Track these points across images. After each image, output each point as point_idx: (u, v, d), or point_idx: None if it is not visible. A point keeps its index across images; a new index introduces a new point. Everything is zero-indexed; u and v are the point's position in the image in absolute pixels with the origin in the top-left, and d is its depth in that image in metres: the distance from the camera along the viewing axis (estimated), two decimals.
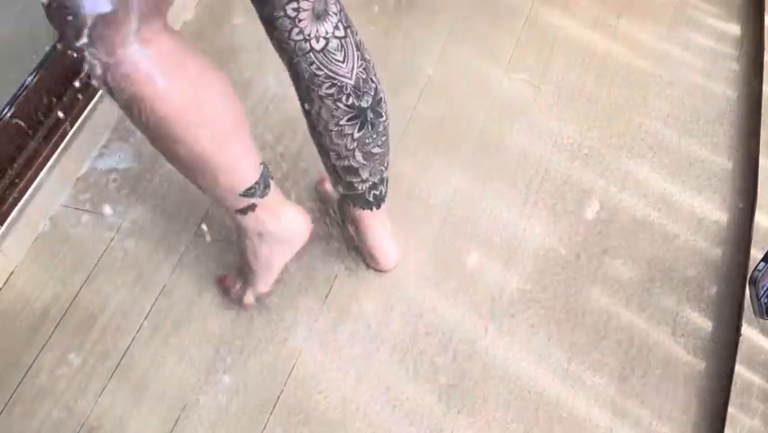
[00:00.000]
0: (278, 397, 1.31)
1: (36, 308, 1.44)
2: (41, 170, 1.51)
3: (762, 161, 1.45)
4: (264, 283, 1.35)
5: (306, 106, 1.13)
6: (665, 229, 1.46)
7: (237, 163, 1.09)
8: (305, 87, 1.10)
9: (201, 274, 1.45)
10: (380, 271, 1.43)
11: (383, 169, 1.24)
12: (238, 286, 1.37)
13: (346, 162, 1.19)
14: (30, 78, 1.48)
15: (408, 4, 1.85)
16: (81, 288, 1.46)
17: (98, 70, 0.92)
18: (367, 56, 1.12)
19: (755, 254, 1.33)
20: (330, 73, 1.07)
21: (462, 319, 1.37)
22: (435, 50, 1.76)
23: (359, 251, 1.43)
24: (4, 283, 1.48)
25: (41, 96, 1.51)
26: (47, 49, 1.51)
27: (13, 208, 1.47)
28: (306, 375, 1.33)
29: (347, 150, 1.16)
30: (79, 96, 1.58)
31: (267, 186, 1.14)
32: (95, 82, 0.96)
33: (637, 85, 1.67)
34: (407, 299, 1.40)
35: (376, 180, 1.25)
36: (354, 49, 1.09)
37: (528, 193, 1.52)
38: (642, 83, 1.67)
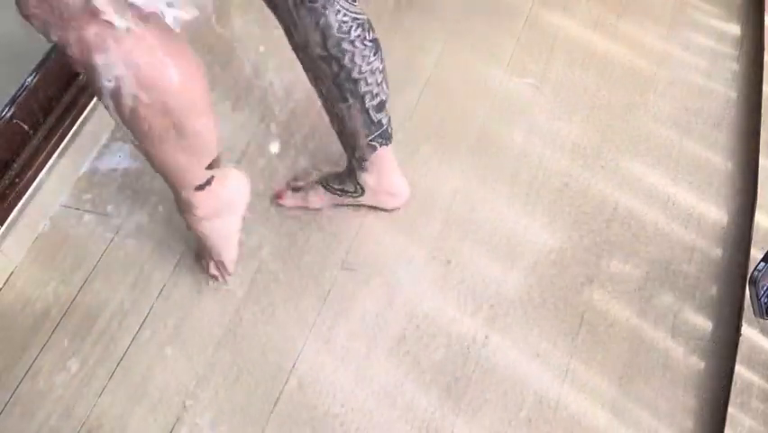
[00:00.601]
0: (279, 396, 1.31)
1: (36, 308, 1.44)
2: (41, 170, 1.51)
3: (762, 161, 1.45)
4: (228, 252, 1.38)
5: (339, 62, 1.20)
6: (665, 229, 1.45)
7: (211, 135, 1.14)
8: (336, 40, 1.18)
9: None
10: (399, 207, 1.49)
11: None
12: (205, 263, 1.42)
13: (378, 99, 1.28)
14: (30, 78, 1.48)
15: (408, 4, 1.85)
16: (81, 288, 1.46)
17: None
18: None
19: (755, 254, 1.33)
20: (353, 15, 1.17)
21: (462, 319, 1.37)
22: (435, 50, 1.76)
23: (376, 202, 1.47)
24: (4, 283, 1.48)
25: (40, 96, 1.51)
26: (47, 49, 1.51)
27: (13, 208, 1.47)
28: (305, 375, 1.33)
29: (377, 84, 1.26)
30: (79, 96, 1.58)
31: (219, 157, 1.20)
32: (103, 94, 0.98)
33: (637, 85, 1.67)
34: (407, 298, 1.40)
35: (389, 113, 1.34)
36: None
37: (528, 193, 1.52)
38: (642, 83, 1.67)
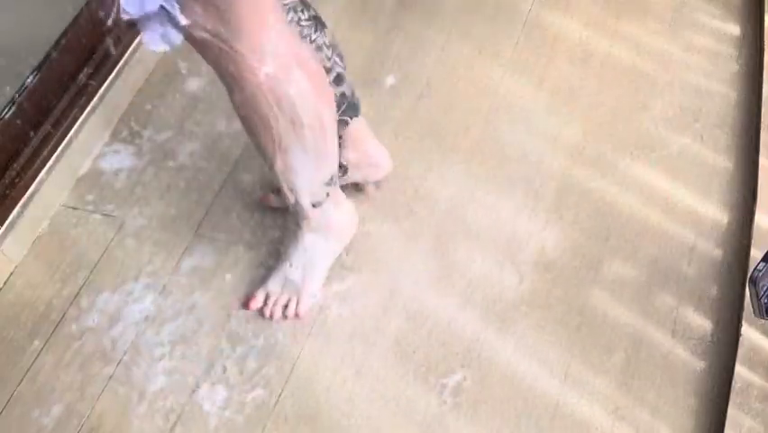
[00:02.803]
0: (279, 396, 1.31)
1: (36, 309, 1.44)
2: (41, 170, 1.52)
3: (762, 161, 1.45)
4: (318, 284, 1.40)
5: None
6: (665, 229, 1.46)
7: (335, 147, 1.22)
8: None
9: (201, 274, 1.46)
10: (383, 179, 1.50)
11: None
12: (284, 300, 1.39)
13: (334, 74, 1.28)
14: (30, 78, 1.48)
15: (408, 4, 1.85)
16: (81, 288, 1.46)
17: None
18: None
19: (755, 254, 1.33)
20: (283, 1, 1.17)
21: (462, 320, 1.37)
22: (435, 50, 1.76)
23: (361, 177, 1.47)
24: (4, 283, 1.48)
25: (41, 96, 1.51)
26: (47, 49, 1.51)
27: (13, 208, 1.47)
28: (306, 375, 1.33)
29: (328, 59, 1.27)
30: (79, 96, 1.58)
31: (336, 173, 1.26)
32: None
33: (637, 85, 1.67)
34: (407, 299, 1.40)
35: (352, 83, 1.36)
36: None
37: (528, 193, 1.52)
38: (642, 83, 1.67)
